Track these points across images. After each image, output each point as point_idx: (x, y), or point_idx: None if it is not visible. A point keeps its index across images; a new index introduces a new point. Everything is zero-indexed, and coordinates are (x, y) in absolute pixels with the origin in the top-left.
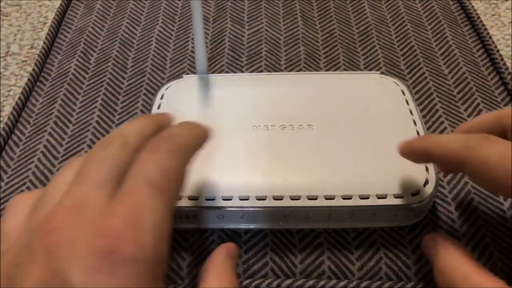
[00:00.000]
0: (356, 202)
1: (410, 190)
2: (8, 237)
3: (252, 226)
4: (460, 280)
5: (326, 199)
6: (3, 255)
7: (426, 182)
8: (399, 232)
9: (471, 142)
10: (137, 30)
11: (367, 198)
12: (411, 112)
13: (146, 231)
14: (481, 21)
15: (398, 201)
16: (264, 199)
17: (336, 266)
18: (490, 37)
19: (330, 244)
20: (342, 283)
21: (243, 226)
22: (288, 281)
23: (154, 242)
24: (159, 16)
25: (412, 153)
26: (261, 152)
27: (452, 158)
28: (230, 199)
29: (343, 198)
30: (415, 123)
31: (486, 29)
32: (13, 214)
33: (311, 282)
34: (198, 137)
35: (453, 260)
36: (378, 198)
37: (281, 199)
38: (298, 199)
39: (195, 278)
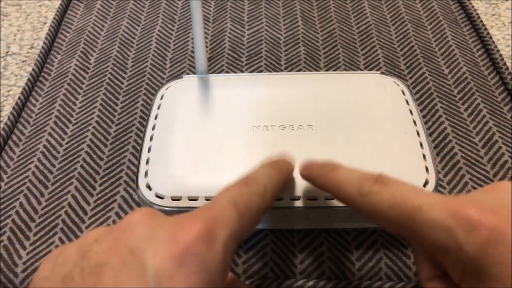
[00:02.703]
0: None
1: None
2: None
3: None
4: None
5: (326, 199)
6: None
7: (426, 183)
8: None
9: (364, 189)
10: (137, 30)
11: None
12: (411, 112)
13: (219, 240)
14: (481, 21)
15: None
16: None
17: (336, 266)
18: (490, 37)
19: (330, 244)
20: (342, 284)
21: None
22: (288, 282)
23: (223, 252)
24: (159, 16)
25: (311, 182)
26: (261, 153)
27: (349, 204)
28: None
29: None
30: (415, 123)
31: (486, 29)
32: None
33: (311, 283)
34: (282, 183)
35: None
36: None
37: (281, 200)
38: (298, 199)
39: None
